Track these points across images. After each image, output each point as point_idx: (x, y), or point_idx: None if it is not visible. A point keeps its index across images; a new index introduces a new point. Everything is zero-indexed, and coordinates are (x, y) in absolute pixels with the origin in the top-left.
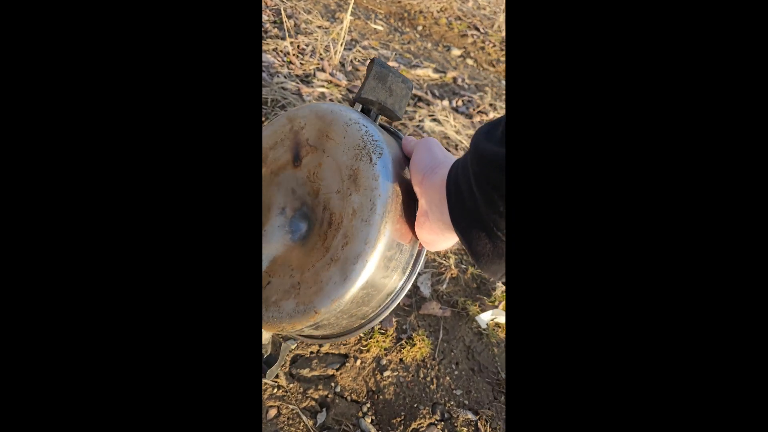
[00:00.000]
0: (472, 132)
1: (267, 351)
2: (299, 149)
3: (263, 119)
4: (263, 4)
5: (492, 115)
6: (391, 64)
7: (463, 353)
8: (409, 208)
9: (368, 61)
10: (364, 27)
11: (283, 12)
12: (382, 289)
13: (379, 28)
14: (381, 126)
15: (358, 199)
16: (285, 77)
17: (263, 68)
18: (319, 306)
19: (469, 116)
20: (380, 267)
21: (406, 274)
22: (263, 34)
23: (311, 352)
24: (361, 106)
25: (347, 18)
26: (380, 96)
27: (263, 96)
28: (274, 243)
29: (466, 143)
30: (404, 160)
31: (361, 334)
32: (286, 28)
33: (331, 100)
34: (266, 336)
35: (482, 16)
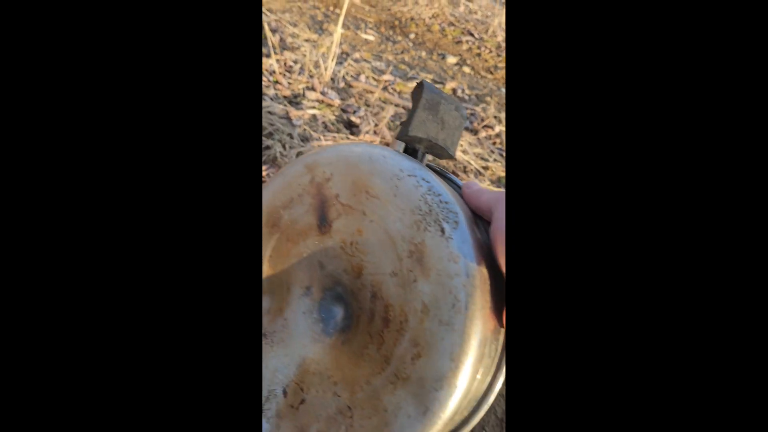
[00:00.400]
0: (479, 151)
1: None
2: (326, 209)
3: None
4: None
5: (498, 129)
6: (386, 77)
7: None
8: (497, 289)
9: (414, 85)
10: (354, 38)
11: (266, 26)
12: (471, 404)
13: (370, 38)
14: (429, 167)
15: (430, 289)
16: (272, 99)
17: None
18: None
19: (475, 132)
20: (470, 384)
21: (494, 369)
22: None
23: None
24: (404, 145)
25: (338, 31)
26: (431, 131)
27: None
28: (301, 338)
29: (475, 164)
30: (474, 218)
31: None
32: (270, 44)
33: (324, 123)
34: None
35: (475, 21)
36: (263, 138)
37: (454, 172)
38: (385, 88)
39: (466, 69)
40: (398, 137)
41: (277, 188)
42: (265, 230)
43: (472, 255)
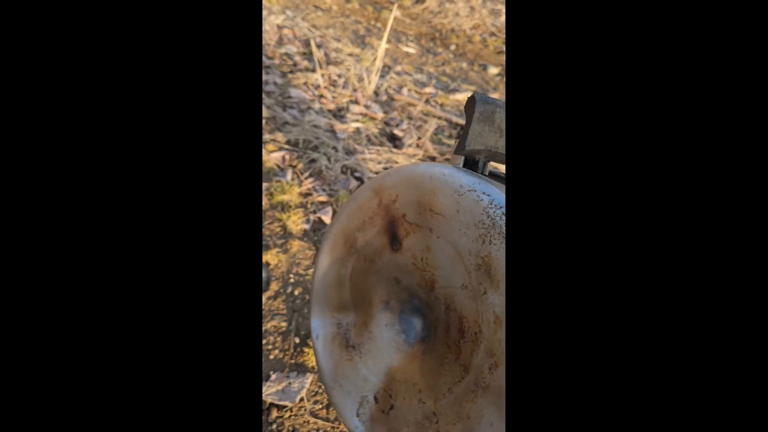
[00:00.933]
0: None
1: None
2: (396, 228)
3: (295, 163)
4: (293, 34)
5: None
6: (428, 90)
7: None
8: None
9: (466, 100)
10: (396, 51)
11: (312, 42)
12: None
13: (411, 50)
14: (492, 175)
15: (500, 300)
16: (317, 113)
17: (294, 105)
18: None
19: None
20: None
21: None
22: (293, 68)
23: None
24: (463, 158)
25: (382, 46)
26: (488, 141)
27: (295, 137)
28: (386, 348)
29: None
30: None
31: None
32: (316, 59)
33: (368, 136)
34: None
35: None
36: (309, 151)
37: None
38: (427, 101)
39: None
40: (456, 152)
41: (350, 213)
42: (344, 251)
43: None
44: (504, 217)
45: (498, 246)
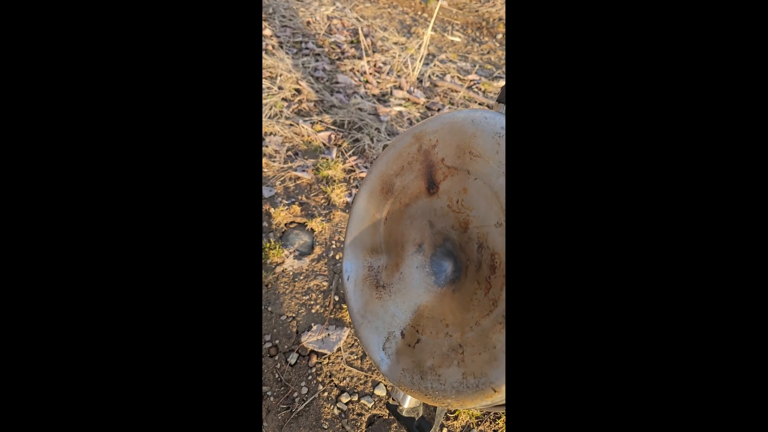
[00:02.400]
0: None
1: (418, 413)
2: (433, 172)
3: (341, 142)
4: (341, 24)
5: None
6: (471, 77)
7: None
8: None
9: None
10: (441, 40)
11: (360, 31)
12: None
13: (457, 39)
14: None
15: None
16: (362, 97)
17: (341, 90)
18: (497, 381)
19: None
20: None
21: None
22: (341, 55)
23: (390, 414)
24: (505, 106)
25: (428, 33)
26: None
27: (341, 118)
28: (416, 288)
29: None
30: None
31: None
32: (363, 47)
33: (410, 119)
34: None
35: None
36: (354, 132)
37: None
38: (470, 87)
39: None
40: (499, 100)
41: (389, 158)
42: (380, 196)
43: None
44: None
45: None
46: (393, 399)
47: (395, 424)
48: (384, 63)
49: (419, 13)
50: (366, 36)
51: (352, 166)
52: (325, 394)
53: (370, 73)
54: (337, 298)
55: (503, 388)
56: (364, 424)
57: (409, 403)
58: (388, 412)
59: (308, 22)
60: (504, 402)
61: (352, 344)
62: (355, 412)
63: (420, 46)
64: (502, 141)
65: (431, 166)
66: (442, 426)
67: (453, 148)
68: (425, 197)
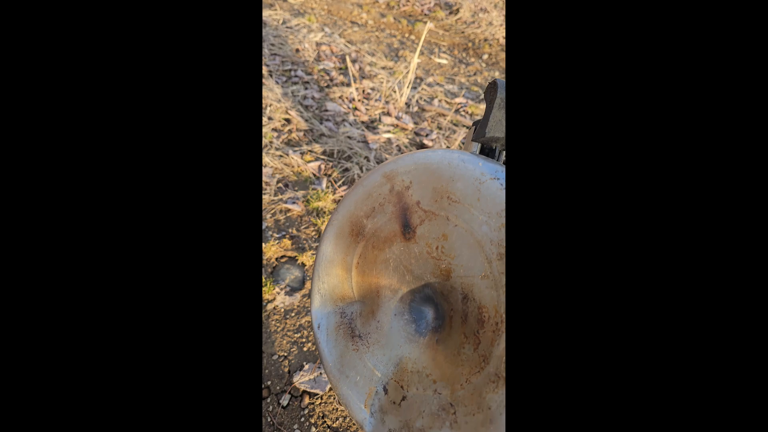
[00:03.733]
0: None
1: None
2: (409, 216)
3: (330, 171)
4: (330, 50)
5: None
6: (458, 100)
7: None
8: None
9: (487, 85)
10: (428, 63)
11: (347, 58)
12: None
13: (443, 61)
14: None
15: None
16: (350, 125)
17: (330, 118)
18: None
19: None
20: None
21: None
22: (330, 82)
23: None
24: (479, 146)
25: (415, 60)
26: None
27: (330, 147)
28: (395, 338)
29: None
30: None
31: None
32: (351, 74)
33: (399, 146)
34: None
35: None
36: (343, 161)
37: None
38: (457, 111)
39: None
40: (474, 139)
41: (358, 199)
42: (350, 239)
43: None
44: None
45: None
46: None
47: None
48: (372, 89)
49: (406, 35)
50: (354, 62)
51: (341, 197)
52: None
53: (359, 100)
54: None
55: None
56: None
57: None
58: None
59: (297, 50)
60: None
61: None
62: None
63: (408, 71)
64: (483, 188)
65: (406, 209)
66: None
67: (429, 191)
68: (401, 241)
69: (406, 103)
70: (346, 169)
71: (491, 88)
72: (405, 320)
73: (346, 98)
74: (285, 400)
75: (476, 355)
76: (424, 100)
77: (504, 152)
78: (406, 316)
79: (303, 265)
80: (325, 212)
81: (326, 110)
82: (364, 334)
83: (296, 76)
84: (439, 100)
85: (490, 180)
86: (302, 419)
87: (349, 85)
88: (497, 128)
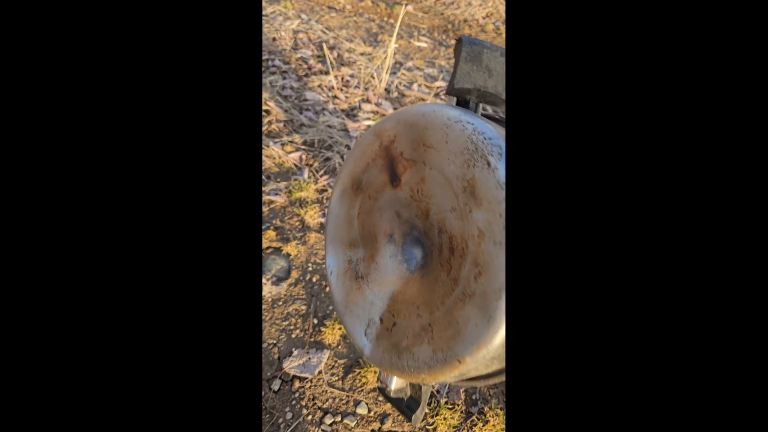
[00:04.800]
0: None
1: (406, 393)
2: (395, 166)
3: (312, 162)
4: (307, 38)
5: None
6: (438, 84)
7: None
8: None
9: (455, 42)
10: (408, 46)
11: (324, 46)
12: None
13: (423, 45)
14: (485, 116)
15: (483, 216)
16: (330, 113)
17: (309, 107)
18: (462, 353)
19: None
20: None
21: None
22: (308, 71)
23: (372, 431)
24: (455, 99)
25: (392, 45)
26: (477, 81)
27: (311, 137)
28: (389, 276)
29: None
30: None
31: (427, 409)
32: (329, 61)
33: None
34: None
35: None
36: (324, 150)
37: None
38: (437, 95)
39: None
40: (447, 92)
41: (356, 157)
42: (352, 193)
43: None
44: (487, 141)
45: (480, 168)
46: (381, 382)
47: None
48: (351, 76)
49: (385, 19)
50: (332, 49)
51: (324, 186)
52: (309, 417)
53: (338, 88)
54: (315, 321)
55: (467, 360)
56: None
57: (395, 384)
58: (370, 430)
59: (274, 38)
60: (470, 376)
61: (333, 365)
62: None
63: (386, 57)
64: (449, 131)
65: (392, 161)
66: (429, 403)
67: (409, 141)
68: (390, 190)
69: (385, 89)
70: (328, 159)
71: (458, 44)
72: (398, 261)
73: (326, 87)
74: (276, 385)
75: (449, 279)
76: (404, 85)
77: (479, 105)
78: (399, 257)
79: (288, 255)
80: (308, 202)
81: (305, 100)
82: (366, 275)
83: (274, 65)
84: (419, 85)
85: (454, 123)
86: (293, 402)
87: (327, 73)
88: (466, 80)
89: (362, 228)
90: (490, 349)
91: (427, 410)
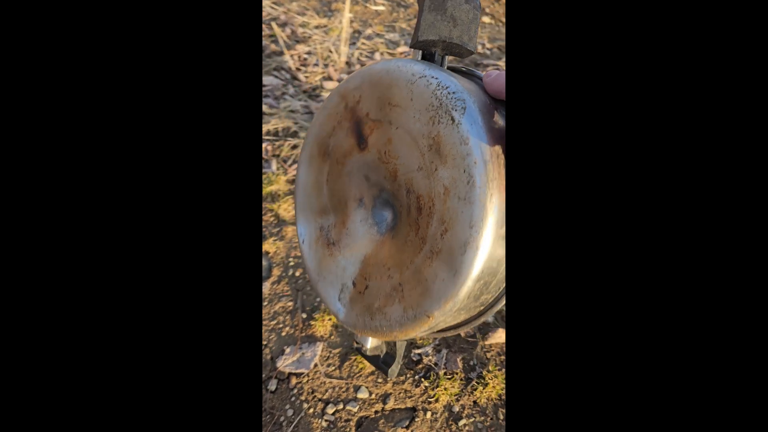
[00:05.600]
0: None
1: (382, 351)
2: (361, 128)
3: (278, 152)
4: None
5: None
6: (401, 49)
7: None
8: None
9: None
10: (364, 12)
11: (274, 24)
12: (501, 266)
13: (381, 8)
14: (452, 69)
15: (448, 173)
16: (291, 97)
17: (268, 93)
18: (430, 309)
19: None
20: (495, 247)
21: None
22: (262, 54)
23: (376, 412)
24: (420, 52)
25: (346, 13)
26: (442, 31)
27: (273, 126)
28: (360, 240)
29: None
30: (493, 104)
31: (426, 383)
32: (281, 40)
33: None
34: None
35: None
36: (289, 138)
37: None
38: None
39: (486, 18)
40: (411, 45)
41: (321, 121)
42: (319, 159)
43: (482, 134)
44: (451, 95)
45: (445, 124)
46: (357, 342)
47: (382, 420)
48: (308, 53)
49: None
50: (284, 26)
51: (294, 176)
52: (311, 410)
53: (297, 68)
54: (304, 316)
55: (436, 314)
56: (353, 428)
57: (370, 343)
58: (374, 411)
59: None
60: (439, 328)
61: (328, 356)
62: (342, 420)
63: (341, 29)
64: (414, 87)
65: (358, 122)
66: (405, 357)
67: (375, 101)
68: (357, 153)
69: (346, 63)
70: (295, 146)
71: None
72: (369, 224)
73: (282, 69)
74: (272, 385)
75: (417, 239)
76: (365, 56)
77: (446, 57)
78: (370, 220)
79: (267, 253)
80: (280, 195)
81: (264, 86)
82: (337, 241)
83: None
84: (381, 53)
85: (419, 79)
86: (292, 398)
87: (282, 53)
88: (430, 31)
89: (331, 194)
90: (457, 301)
91: (426, 383)
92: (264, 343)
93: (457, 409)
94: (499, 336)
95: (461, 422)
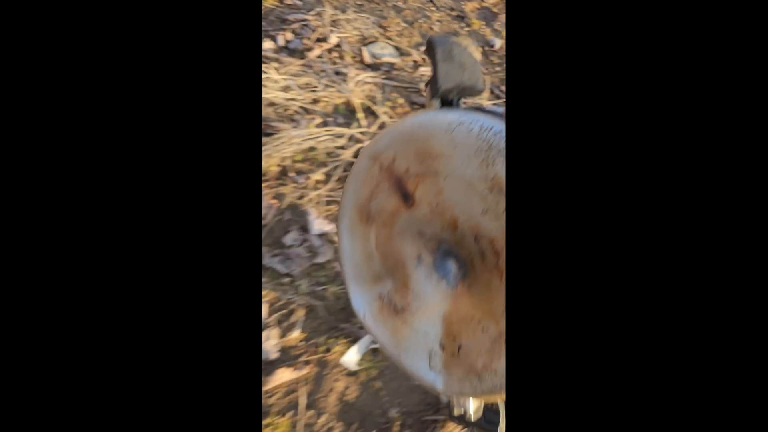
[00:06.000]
0: (310, 80)
1: (480, 414)
2: (404, 185)
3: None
4: None
5: (334, 39)
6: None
7: (338, 407)
8: None
9: (425, 44)
10: None
11: None
12: None
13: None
14: (476, 110)
15: None
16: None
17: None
18: None
19: (303, 52)
20: None
21: None
22: None
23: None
24: (438, 101)
25: None
26: (456, 78)
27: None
28: (432, 299)
29: (300, 102)
30: None
31: None
32: None
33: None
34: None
35: None
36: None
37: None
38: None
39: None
40: (433, 97)
41: (355, 188)
42: (362, 226)
43: None
44: (497, 136)
45: (501, 164)
46: (457, 410)
47: None
48: None
49: None
50: None
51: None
52: None
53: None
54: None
55: None
56: None
57: (473, 406)
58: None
59: None
60: None
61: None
62: None
63: None
64: (455, 135)
65: (399, 180)
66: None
67: (412, 155)
68: (405, 211)
69: None
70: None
71: (430, 47)
72: (435, 280)
73: None
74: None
75: (503, 283)
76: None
77: (460, 100)
78: (435, 275)
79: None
80: None
81: None
82: (406, 307)
83: None
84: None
85: (458, 127)
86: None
87: None
88: (448, 80)
89: (384, 258)
90: None
91: None
92: None
93: None
94: (282, 375)
95: None
